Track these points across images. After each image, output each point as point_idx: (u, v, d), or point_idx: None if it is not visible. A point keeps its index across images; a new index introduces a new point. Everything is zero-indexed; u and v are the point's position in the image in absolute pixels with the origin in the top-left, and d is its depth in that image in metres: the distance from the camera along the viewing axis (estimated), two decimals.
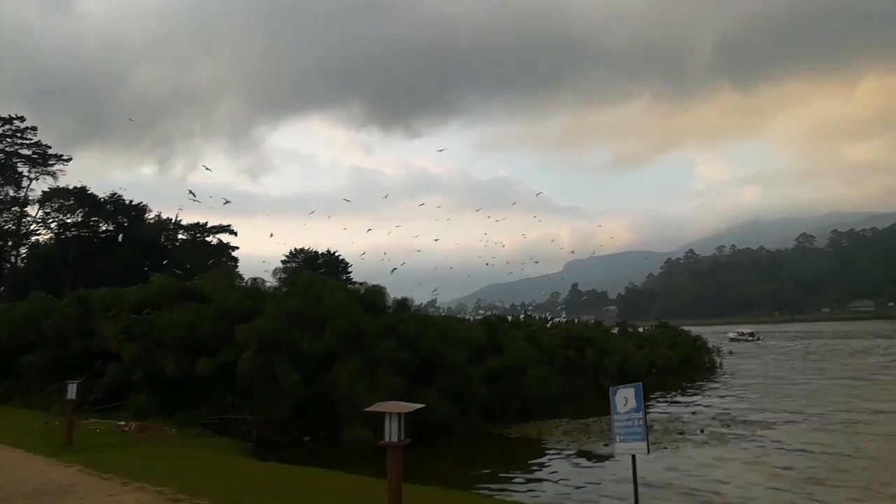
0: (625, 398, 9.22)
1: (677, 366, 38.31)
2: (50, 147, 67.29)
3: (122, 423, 20.16)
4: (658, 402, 28.69)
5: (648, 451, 9.01)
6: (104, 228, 68.62)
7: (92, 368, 24.00)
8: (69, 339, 25.79)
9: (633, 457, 9.07)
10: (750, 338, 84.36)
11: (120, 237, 63.46)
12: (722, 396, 29.28)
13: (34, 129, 66.02)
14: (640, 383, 9.21)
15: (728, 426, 20.72)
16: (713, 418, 22.36)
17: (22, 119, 65.27)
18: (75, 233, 66.26)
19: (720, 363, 43.86)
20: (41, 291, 31.45)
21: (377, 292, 23.74)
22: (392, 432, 6.57)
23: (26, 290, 39.21)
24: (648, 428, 20.34)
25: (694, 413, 23.71)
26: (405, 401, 18.84)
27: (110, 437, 17.59)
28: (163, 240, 73.03)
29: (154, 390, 21.97)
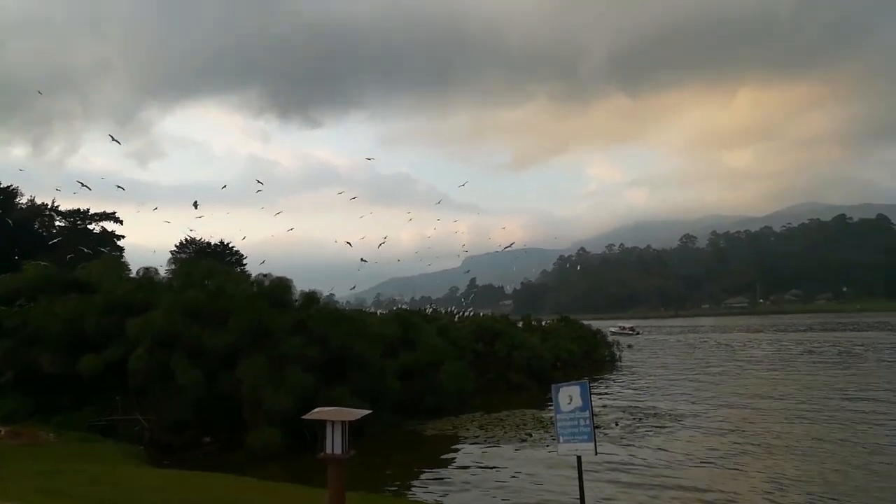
0: (569, 396, 8.71)
1: (580, 359, 39.04)
2: None
3: None
4: None
5: (596, 452, 8.48)
6: None
7: None
8: None
9: (579, 458, 8.56)
10: (630, 332, 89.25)
11: None
12: (627, 390, 29.92)
13: None
14: (587, 381, 8.72)
15: (640, 419, 21.01)
16: (623, 411, 22.65)
17: None
18: None
19: (619, 357, 45.19)
20: None
21: (283, 285, 22.37)
22: (335, 443, 5.67)
23: None
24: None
25: (604, 406, 23.97)
26: (315, 400, 17.70)
27: None
28: (37, 227, 66.87)
29: (27, 391, 19.61)
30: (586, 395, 8.49)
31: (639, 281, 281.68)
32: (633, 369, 40.26)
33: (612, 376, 37.06)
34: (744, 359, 45.27)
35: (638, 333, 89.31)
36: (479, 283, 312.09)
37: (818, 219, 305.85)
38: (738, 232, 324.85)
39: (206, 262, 24.97)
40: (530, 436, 18.68)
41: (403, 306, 47.63)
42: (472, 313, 41.60)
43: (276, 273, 23.09)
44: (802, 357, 44.63)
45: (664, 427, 19.73)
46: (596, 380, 35.38)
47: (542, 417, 21.74)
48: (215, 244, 76.19)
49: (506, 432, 19.35)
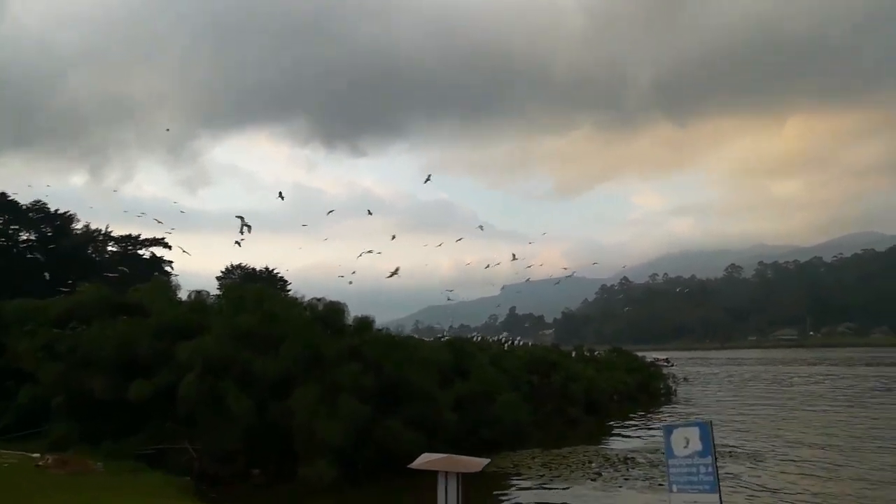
0: (685, 439, 7.62)
1: (635, 392, 37.35)
2: None
3: (37, 455, 17.37)
4: (625, 430, 27.44)
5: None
6: (25, 238, 63.52)
7: (2, 390, 21.00)
8: None
9: None
10: (665, 363, 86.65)
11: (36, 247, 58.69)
12: None
13: None
14: (710, 421, 7.60)
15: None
16: None
17: None
18: None
19: (675, 390, 43.26)
20: None
21: (337, 309, 21.66)
22: (449, 497, 4.70)
23: None
24: (628, 461, 19.00)
25: None
26: (368, 430, 16.76)
27: (20, 474, 14.92)
28: (90, 251, 68.26)
29: (77, 417, 19.17)
30: (707, 438, 7.40)
31: (683, 312, 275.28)
32: (691, 403, 38.36)
33: (669, 410, 35.28)
34: (804, 393, 42.80)
35: (672, 365, 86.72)
36: (519, 311, 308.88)
37: (872, 249, 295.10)
38: (787, 262, 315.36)
39: (257, 285, 24.46)
40: (600, 475, 17.37)
41: (444, 335, 46.48)
42: (520, 342, 40.31)
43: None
44: (869, 393, 42.02)
45: (755, 466, 18.21)
46: (652, 413, 33.75)
47: (609, 455, 20.37)
48: (260, 270, 76.87)
49: (572, 471, 18.02)
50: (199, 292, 22.96)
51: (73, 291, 26.08)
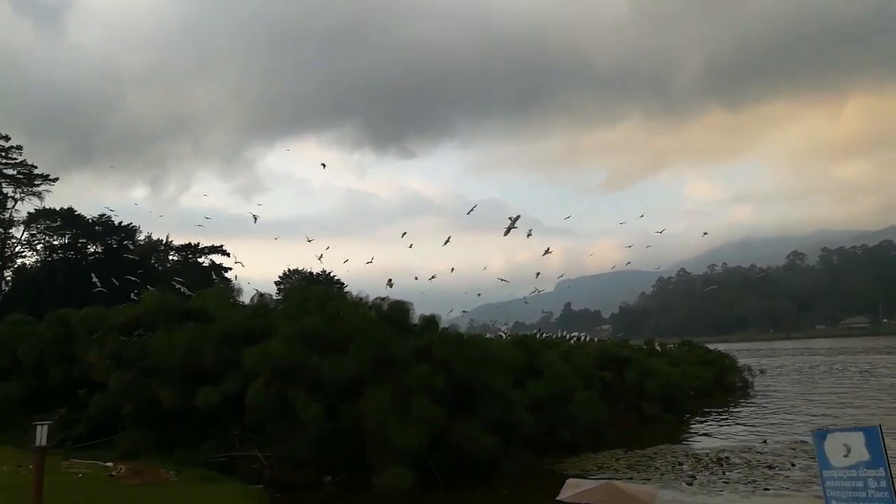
0: (845, 447, 6.41)
1: (712, 386, 35.54)
2: (36, 167, 63.86)
3: (110, 464, 17.16)
4: (708, 427, 25.89)
5: None
6: (92, 250, 65.36)
7: (75, 399, 20.99)
8: (48, 366, 22.68)
9: None
10: None
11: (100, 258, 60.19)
12: (776, 421, 26.38)
13: (19, 148, 62.50)
14: (879, 426, 6.37)
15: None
16: (793, 448, 19.50)
17: (7, 138, 61.82)
18: (62, 255, 62.92)
19: (752, 382, 41.16)
20: (20, 314, 28.24)
21: (403, 308, 20.84)
22: None
23: None
24: (722, 462, 17.60)
25: (765, 442, 20.87)
26: (442, 434, 15.86)
27: (95, 485, 14.60)
28: (153, 261, 69.80)
29: (147, 425, 18.94)
30: (878, 446, 6.17)
31: (745, 302, 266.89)
32: (769, 396, 36.28)
33: (749, 404, 33.42)
34: (886, 384, 39.85)
35: None
36: (574, 307, 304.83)
37: None
38: (854, 247, 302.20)
39: (320, 287, 23.91)
40: (694, 478, 16.06)
41: (504, 331, 45.34)
42: (587, 338, 38.88)
43: None
44: None
45: None
46: (732, 408, 31.97)
47: (699, 455, 19.01)
48: (317, 273, 77.27)
49: (662, 474, 16.76)
50: (261, 295, 22.55)
51: (138, 300, 26.12)
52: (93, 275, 41.82)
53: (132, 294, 51.46)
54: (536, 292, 39.06)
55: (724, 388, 37.70)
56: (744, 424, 25.99)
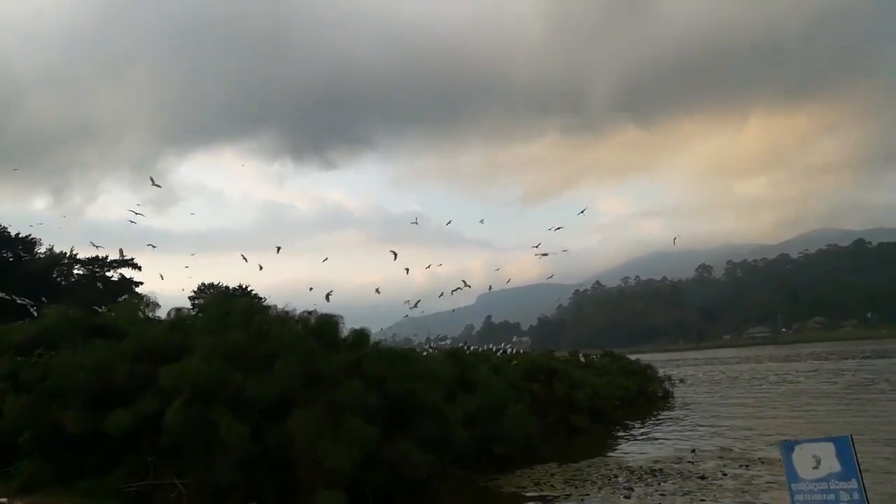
0: (814, 458, 6.25)
1: (635, 396, 36.18)
2: None
3: (4, 500, 15.48)
4: (636, 438, 26.18)
5: None
6: None
7: None
8: None
9: None
10: None
11: None
12: (702, 430, 26.95)
13: None
14: (849, 435, 6.24)
15: (748, 466, 18.21)
16: (720, 457, 19.85)
17: None
18: None
19: (672, 392, 42.30)
20: None
21: (331, 323, 20.01)
22: None
23: None
24: (656, 473, 17.67)
25: (693, 451, 21.18)
26: (380, 454, 15.23)
27: None
28: (56, 275, 65.39)
29: (48, 453, 17.21)
30: (849, 456, 6.03)
31: (657, 313, 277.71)
32: (688, 406, 37.32)
33: (672, 414, 34.22)
34: (796, 391, 42.05)
35: None
36: (495, 319, 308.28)
37: (836, 244, 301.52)
38: (755, 260, 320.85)
39: (243, 299, 22.67)
40: (632, 490, 15.99)
41: (431, 346, 44.97)
42: (513, 350, 38.89)
43: None
44: (860, 386, 41.55)
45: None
46: (656, 418, 32.63)
47: (633, 467, 19.03)
48: (234, 288, 74.50)
49: (600, 488, 16.57)
50: (178, 310, 21.11)
51: (39, 316, 24.06)
52: None
53: (33, 307, 47.87)
54: (462, 287, 39.24)
55: (646, 398, 38.49)
56: (669, 434, 26.44)
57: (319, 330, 19.62)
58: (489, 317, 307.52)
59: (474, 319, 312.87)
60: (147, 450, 16.83)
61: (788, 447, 6.61)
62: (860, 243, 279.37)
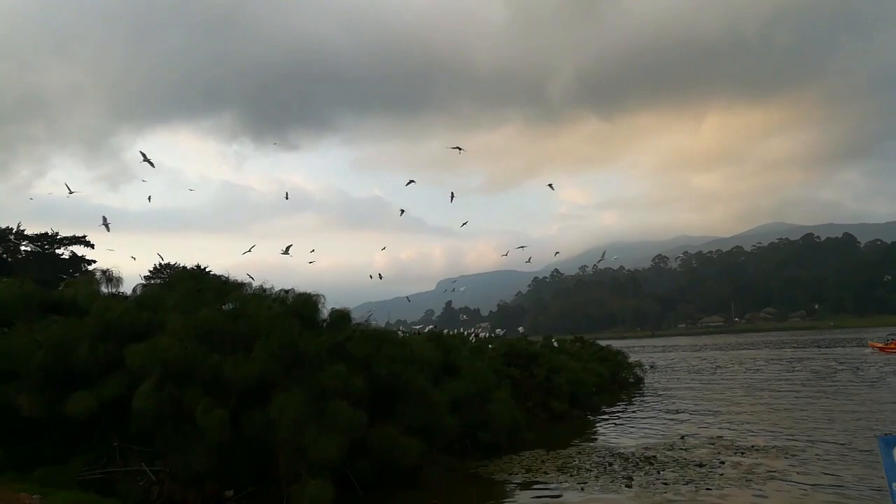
0: None
1: (608, 382, 35.87)
2: None
3: None
4: (618, 424, 25.73)
5: None
6: None
7: None
8: None
9: None
10: None
11: None
12: (683, 416, 26.63)
13: None
14: None
15: (743, 453, 17.80)
16: (712, 444, 19.42)
17: None
18: None
19: (643, 378, 42.23)
20: None
21: (311, 302, 18.81)
22: None
23: None
24: (651, 461, 17.12)
25: (683, 438, 20.73)
26: (367, 441, 14.32)
27: None
28: (2, 252, 62.17)
29: (3, 440, 15.77)
30: None
31: (614, 302, 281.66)
32: (661, 392, 37.25)
33: (646, 399, 34.04)
34: (764, 379, 42.48)
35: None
36: (455, 305, 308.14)
37: (786, 238, 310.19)
38: (710, 252, 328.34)
39: (218, 276, 21.30)
40: (631, 478, 15.36)
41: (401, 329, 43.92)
42: (487, 334, 38.18)
43: None
44: (818, 373, 42.26)
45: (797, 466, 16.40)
46: (631, 404, 32.37)
47: (624, 453, 18.47)
48: (192, 268, 71.98)
49: (596, 476, 15.94)
50: (145, 285, 19.69)
51: None
52: None
53: None
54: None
55: (618, 384, 38.27)
56: (650, 420, 26.06)
57: (298, 309, 18.44)
58: (449, 302, 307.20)
59: (434, 305, 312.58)
60: (112, 435, 15.57)
61: (888, 442, 5.84)
62: (809, 238, 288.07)
